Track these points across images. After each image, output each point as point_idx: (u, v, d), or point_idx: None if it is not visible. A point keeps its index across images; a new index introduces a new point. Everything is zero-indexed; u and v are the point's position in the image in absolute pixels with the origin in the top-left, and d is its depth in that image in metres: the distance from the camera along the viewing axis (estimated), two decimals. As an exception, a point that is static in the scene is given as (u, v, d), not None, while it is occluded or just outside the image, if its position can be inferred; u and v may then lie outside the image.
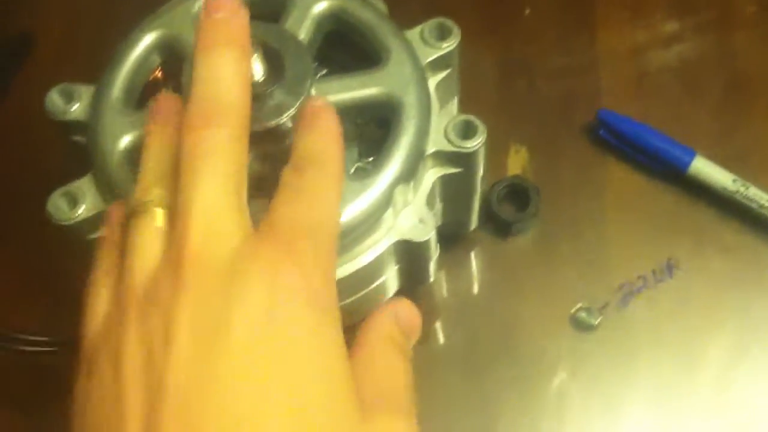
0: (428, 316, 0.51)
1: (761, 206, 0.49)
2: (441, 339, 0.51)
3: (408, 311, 0.34)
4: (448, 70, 0.46)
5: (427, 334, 0.51)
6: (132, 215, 0.32)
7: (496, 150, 0.55)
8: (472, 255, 0.52)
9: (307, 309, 0.29)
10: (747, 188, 0.50)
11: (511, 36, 0.58)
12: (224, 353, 0.27)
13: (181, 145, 0.32)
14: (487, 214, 0.51)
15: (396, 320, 0.33)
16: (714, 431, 0.46)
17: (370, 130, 0.46)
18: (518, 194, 0.52)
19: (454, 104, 0.49)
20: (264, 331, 0.28)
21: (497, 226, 0.51)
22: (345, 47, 0.46)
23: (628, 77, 0.57)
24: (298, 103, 0.39)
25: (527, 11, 0.59)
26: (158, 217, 0.31)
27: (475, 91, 0.56)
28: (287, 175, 0.33)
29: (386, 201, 0.40)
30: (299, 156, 0.33)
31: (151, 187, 0.33)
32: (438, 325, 0.51)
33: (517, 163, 0.54)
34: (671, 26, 0.58)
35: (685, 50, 0.57)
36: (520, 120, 0.56)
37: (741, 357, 0.48)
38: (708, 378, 0.47)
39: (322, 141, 0.34)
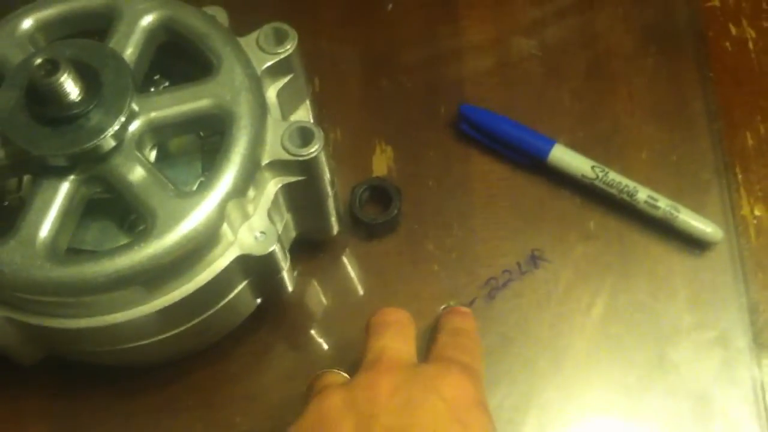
0: (300, 326, 0.50)
1: (620, 191, 0.49)
2: (314, 346, 0.50)
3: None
4: (291, 75, 0.45)
5: (297, 344, 0.50)
6: None
7: (361, 150, 0.54)
8: (342, 259, 0.51)
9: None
10: (606, 174, 0.49)
11: (374, 31, 0.57)
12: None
13: None
14: (351, 217, 0.51)
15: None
16: (583, 423, 0.46)
17: (215, 142, 0.45)
18: (381, 195, 0.51)
19: (305, 109, 0.48)
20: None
21: (361, 228, 0.51)
22: (185, 58, 0.45)
23: (491, 67, 0.56)
24: (116, 122, 0.38)
25: (390, 6, 0.58)
26: None
27: (337, 89, 0.56)
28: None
29: (218, 217, 0.39)
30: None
31: None
32: (312, 332, 0.50)
33: (382, 162, 0.53)
34: (533, 13, 0.57)
35: (546, 36, 0.57)
36: (385, 117, 0.55)
37: (606, 341, 0.48)
38: (574, 366, 0.47)
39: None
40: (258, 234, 0.41)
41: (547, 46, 0.56)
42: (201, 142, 0.45)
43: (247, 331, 0.48)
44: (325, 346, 0.50)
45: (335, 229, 0.49)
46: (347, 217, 0.51)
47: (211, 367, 0.49)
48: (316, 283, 0.51)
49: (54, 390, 0.48)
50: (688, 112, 0.54)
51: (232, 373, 0.49)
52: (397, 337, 0.41)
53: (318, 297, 0.51)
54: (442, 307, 0.48)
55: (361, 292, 0.51)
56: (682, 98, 0.55)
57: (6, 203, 0.44)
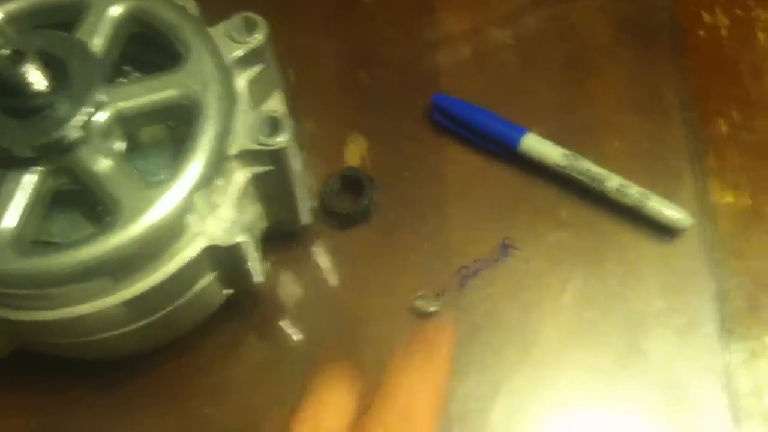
0: (272, 317, 0.50)
1: (593, 179, 0.49)
2: (286, 337, 0.50)
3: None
4: (262, 65, 0.45)
5: (269, 335, 0.50)
6: None
7: (334, 140, 0.54)
8: (315, 250, 0.51)
9: None
10: (577, 161, 0.50)
11: (350, 22, 0.58)
12: None
13: None
14: (324, 207, 0.51)
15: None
16: (553, 410, 0.46)
17: (184, 132, 0.44)
18: (354, 185, 0.51)
19: (277, 99, 0.48)
20: None
21: (334, 219, 0.51)
22: (155, 48, 0.45)
23: (467, 58, 0.56)
24: (81, 113, 0.38)
25: (366, -3, 0.58)
26: None
27: (313, 80, 0.56)
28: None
29: (184, 208, 0.39)
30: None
31: None
32: (284, 323, 0.50)
33: (355, 152, 0.53)
34: (509, 4, 0.57)
35: (523, 27, 0.57)
36: (360, 108, 0.55)
37: (576, 328, 0.48)
38: (544, 354, 0.47)
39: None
40: (226, 224, 0.41)
41: (523, 36, 0.56)
42: (170, 133, 0.45)
43: (217, 323, 0.48)
44: (297, 338, 0.50)
45: (307, 219, 0.49)
46: (320, 208, 0.51)
47: (180, 359, 0.48)
48: (288, 274, 0.51)
49: (23, 384, 0.48)
50: (663, 100, 0.54)
51: (202, 365, 0.49)
52: (332, 394, 0.40)
53: (290, 288, 0.51)
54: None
55: (334, 282, 0.51)
56: (656, 87, 0.55)
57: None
